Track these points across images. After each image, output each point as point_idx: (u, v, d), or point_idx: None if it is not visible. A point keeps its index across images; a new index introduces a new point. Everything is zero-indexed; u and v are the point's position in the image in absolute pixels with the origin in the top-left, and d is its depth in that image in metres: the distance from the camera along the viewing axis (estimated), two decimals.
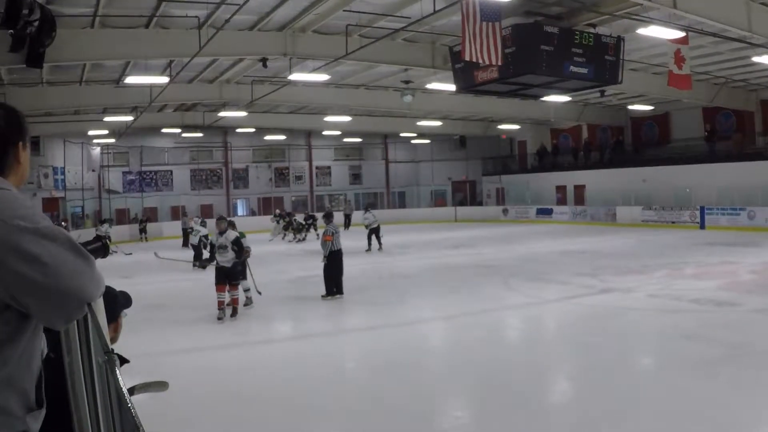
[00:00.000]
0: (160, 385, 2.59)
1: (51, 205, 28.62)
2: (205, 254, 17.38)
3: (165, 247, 24.54)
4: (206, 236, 17.14)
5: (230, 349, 8.49)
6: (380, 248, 20.80)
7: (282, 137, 36.60)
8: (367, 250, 20.64)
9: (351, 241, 24.91)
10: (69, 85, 20.49)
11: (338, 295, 12.09)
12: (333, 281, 12.11)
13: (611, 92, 23.50)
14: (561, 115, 30.57)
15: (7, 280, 1.37)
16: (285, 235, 27.85)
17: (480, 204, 40.06)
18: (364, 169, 41.67)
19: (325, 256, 12.04)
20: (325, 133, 36.72)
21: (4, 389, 1.43)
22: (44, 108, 22.35)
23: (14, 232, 1.39)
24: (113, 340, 2.52)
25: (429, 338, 9.26)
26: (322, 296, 12.02)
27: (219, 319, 10.24)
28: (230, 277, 10.51)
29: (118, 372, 1.73)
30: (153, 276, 13.91)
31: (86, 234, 19.96)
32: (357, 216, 36.47)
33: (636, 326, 9.18)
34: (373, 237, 21.31)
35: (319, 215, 30.39)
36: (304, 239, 26.90)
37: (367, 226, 21.13)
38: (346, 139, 38.93)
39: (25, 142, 1.69)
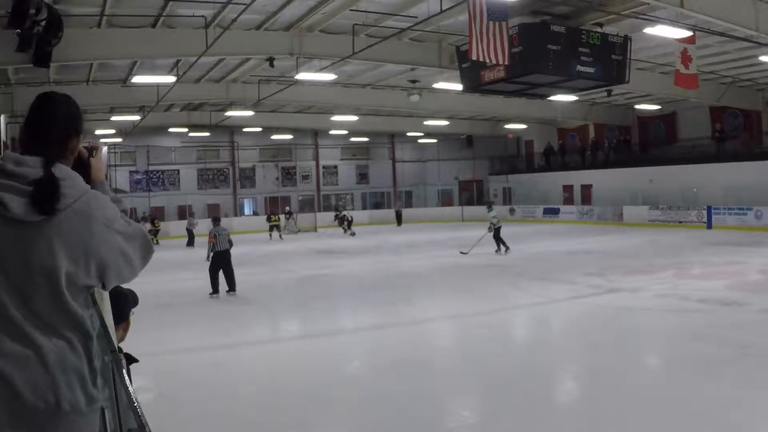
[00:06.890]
0: None
1: None
2: None
3: (171, 247, 24.67)
4: None
5: (236, 348, 8.50)
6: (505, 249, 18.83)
7: (289, 137, 36.60)
8: (461, 254, 18.77)
9: (354, 241, 24.94)
10: (76, 85, 20.54)
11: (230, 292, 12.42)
12: (217, 279, 12.41)
13: (618, 91, 23.39)
14: (568, 114, 30.51)
15: (102, 269, 1.65)
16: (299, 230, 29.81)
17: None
18: (371, 168, 41.64)
19: (208, 256, 12.72)
20: (331, 132, 36.76)
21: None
22: None
23: (115, 234, 1.67)
24: (122, 338, 2.53)
25: (436, 337, 9.25)
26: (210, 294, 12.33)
27: None
28: None
29: (124, 371, 1.74)
30: (159, 275, 13.95)
31: None
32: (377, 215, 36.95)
33: (643, 326, 9.15)
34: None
35: (330, 214, 31.66)
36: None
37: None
38: (353, 139, 38.91)
39: (83, 135, 1.82)
